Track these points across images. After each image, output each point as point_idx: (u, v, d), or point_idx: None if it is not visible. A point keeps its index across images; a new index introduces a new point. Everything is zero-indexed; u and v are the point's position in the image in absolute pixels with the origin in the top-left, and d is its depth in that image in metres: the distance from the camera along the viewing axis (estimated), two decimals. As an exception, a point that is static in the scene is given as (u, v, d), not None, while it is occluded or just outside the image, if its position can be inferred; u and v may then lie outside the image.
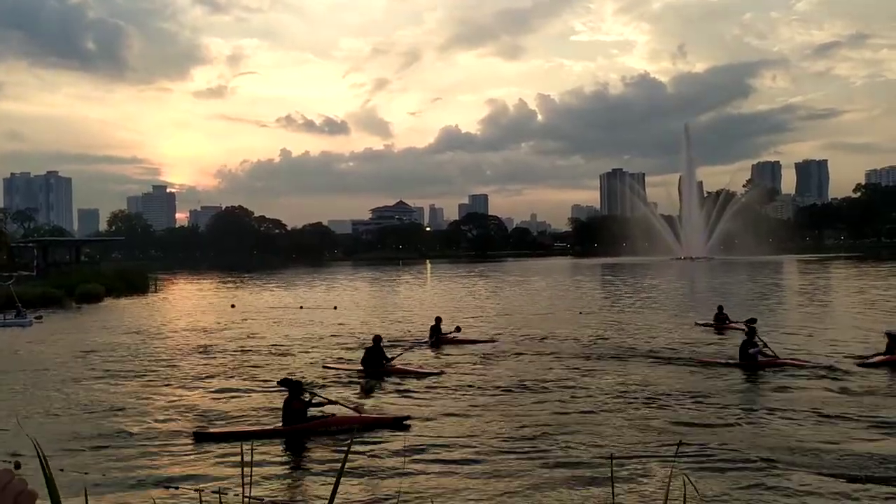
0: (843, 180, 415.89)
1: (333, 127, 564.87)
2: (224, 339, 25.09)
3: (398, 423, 12.14)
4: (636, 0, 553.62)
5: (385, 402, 14.42)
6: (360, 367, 17.63)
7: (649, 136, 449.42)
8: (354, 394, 15.35)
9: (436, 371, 17.34)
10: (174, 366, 19.59)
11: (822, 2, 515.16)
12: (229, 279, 79.05)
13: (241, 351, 22.13)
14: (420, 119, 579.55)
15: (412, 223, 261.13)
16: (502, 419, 12.58)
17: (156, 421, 13.15)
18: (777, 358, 16.79)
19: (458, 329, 22.54)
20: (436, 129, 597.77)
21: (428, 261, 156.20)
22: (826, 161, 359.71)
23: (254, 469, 10.02)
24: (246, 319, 32.28)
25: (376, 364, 17.39)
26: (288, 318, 32.88)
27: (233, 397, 15.22)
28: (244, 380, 17.29)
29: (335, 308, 37.17)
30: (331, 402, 12.03)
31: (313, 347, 22.72)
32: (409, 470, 9.81)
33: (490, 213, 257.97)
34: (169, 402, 14.88)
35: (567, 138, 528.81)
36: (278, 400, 14.61)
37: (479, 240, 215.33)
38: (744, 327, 23.51)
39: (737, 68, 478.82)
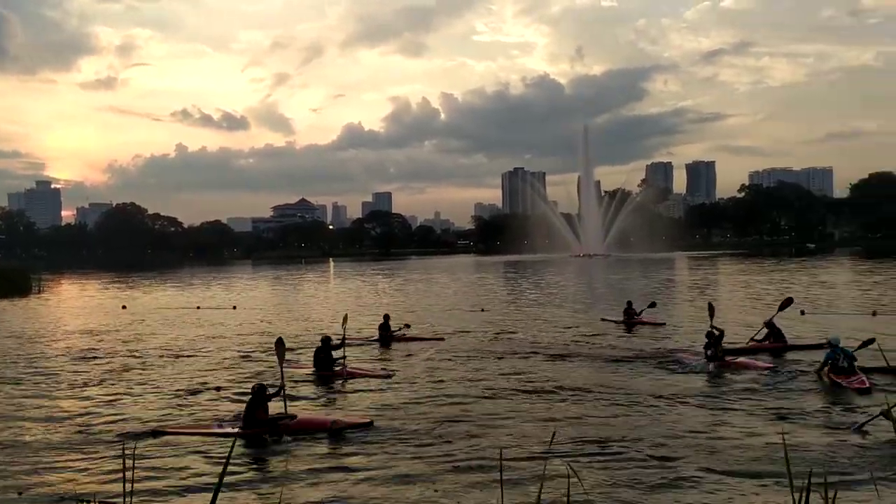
0: (730, 181, 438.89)
1: (232, 122, 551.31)
2: (114, 342, 23.74)
3: (365, 427, 11.70)
4: (536, 3, 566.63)
5: (336, 408, 13.72)
6: (311, 370, 16.82)
7: (549, 136, 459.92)
8: (309, 398, 14.66)
9: (387, 373, 16.66)
10: (57, 371, 18.27)
11: (708, 10, 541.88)
12: (121, 280, 75.41)
13: (133, 354, 20.95)
14: (322, 116, 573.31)
15: (315, 221, 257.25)
16: (428, 420, 12.29)
17: (32, 429, 12.15)
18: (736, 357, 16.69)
19: (406, 326, 22.36)
20: (339, 126, 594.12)
21: (331, 259, 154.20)
22: (714, 163, 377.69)
23: (190, 476, 9.47)
24: (138, 321, 30.72)
25: (327, 366, 16.66)
26: (184, 319, 31.50)
27: (122, 401, 14.29)
28: (136, 384, 16.29)
29: (234, 308, 35.97)
30: (281, 393, 11.86)
31: (210, 348, 21.73)
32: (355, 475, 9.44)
33: (394, 211, 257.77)
34: (48, 408, 13.81)
35: (470, 137, 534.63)
36: (174, 403, 13.90)
37: (383, 238, 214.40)
38: (657, 322, 24.50)
39: (631, 72, 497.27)
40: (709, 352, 16.29)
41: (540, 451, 9.84)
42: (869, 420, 10.56)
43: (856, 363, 14.17)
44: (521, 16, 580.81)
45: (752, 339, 18.95)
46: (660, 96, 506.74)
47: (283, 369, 12.83)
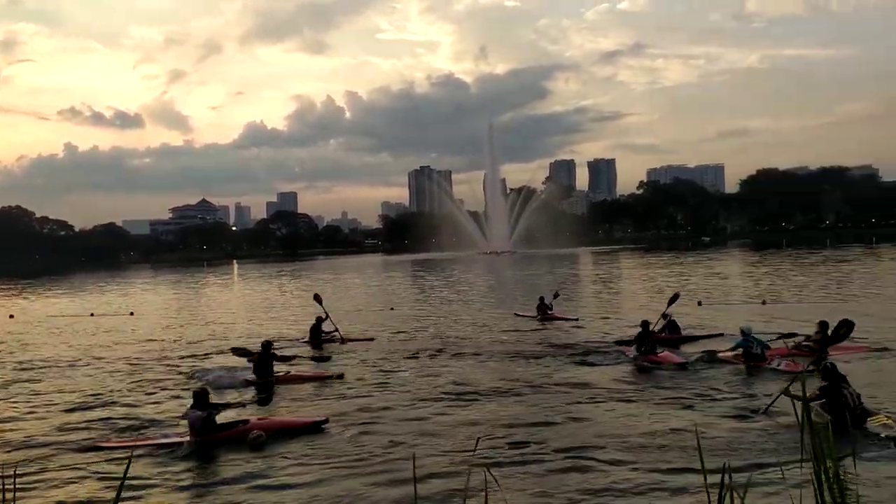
0: (629, 178, 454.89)
1: (125, 120, 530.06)
2: (1, 353, 22.20)
3: (316, 427, 11.40)
4: (440, 1, 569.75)
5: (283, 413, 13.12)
6: (251, 377, 15.82)
7: (455, 134, 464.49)
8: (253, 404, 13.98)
9: (335, 374, 16.09)
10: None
11: (606, 12, 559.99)
12: (7, 287, 70.95)
13: (22, 366, 19.58)
14: (222, 114, 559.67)
15: (216, 222, 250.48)
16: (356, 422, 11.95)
17: None
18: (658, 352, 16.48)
19: (336, 330, 21.73)
20: (240, 124, 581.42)
21: (235, 261, 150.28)
22: (614, 160, 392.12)
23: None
24: (27, 331, 28.88)
25: (268, 373, 15.81)
26: (77, 327, 29.81)
27: (8, 418, 13.29)
28: (22, 396, 15.20)
29: (131, 314, 34.39)
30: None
31: (106, 357, 20.57)
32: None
33: (300, 211, 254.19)
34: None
35: (376, 135, 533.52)
36: (67, 416, 13.02)
37: (289, 238, 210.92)
38: (569, 317, 24.82)
39: (534, 71, 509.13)
40: (643, 346, 16.29)
41: (459, 456, 9.71)
42: (773, 401, 10.92)
43: (767, 351, 14.85)
44: (425, 14, 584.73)
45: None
46: (562, 95, 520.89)
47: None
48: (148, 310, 37.22)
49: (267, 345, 16.31)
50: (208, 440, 10.80)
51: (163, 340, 23.59)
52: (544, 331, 22.61)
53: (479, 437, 10.28)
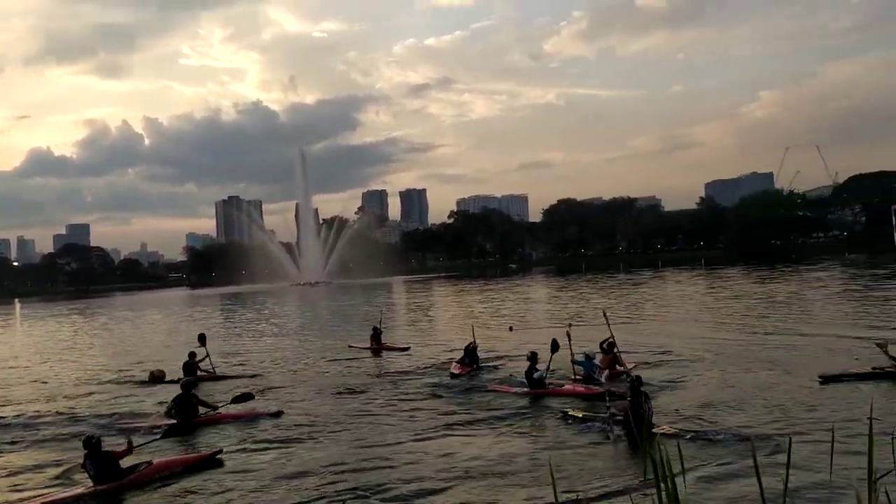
0: (440, 207, 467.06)
1: None
2: None
3: (212, 460, 11.31)
4: (245, 29, 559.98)
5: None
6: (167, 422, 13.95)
7: (265, 163, 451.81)
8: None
9: (274, 411, 14.72)
10: None
11: (414, 47, 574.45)
12: None
13: None
14: (2, 139, 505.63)
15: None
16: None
17: None
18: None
19: (211, 367, 20.25)
20: (23, 150, 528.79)
21: (17, 300, 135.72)
22: (425, 190, 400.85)
23: None
24: None
25: (190, 414, 14.11)
26: None
27: None
28: None
29: None
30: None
31: None
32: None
33: (93, 245, 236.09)
34: None
35: (179, 164, 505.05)
36: None
37: (80, 273, 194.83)
38: (400, 346, 24.30)
39: (344, 102, 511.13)
40: (535, 375, 15.24)
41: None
42: (610, 426, 11.15)
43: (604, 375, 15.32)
44: (230, 41, 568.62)
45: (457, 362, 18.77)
46: (373, 126, 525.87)
47: None
48: None
49: (187, 385, 14.98)
50: (110, 489, 10.26)
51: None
52: (381, 360, 22.16)
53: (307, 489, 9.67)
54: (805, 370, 15.63)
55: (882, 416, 10.71)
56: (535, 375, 15.10)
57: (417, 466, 10.42)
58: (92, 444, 10.53)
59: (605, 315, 16.69)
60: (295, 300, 68.61)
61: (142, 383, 19.96)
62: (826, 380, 14.28)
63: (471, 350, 18.83)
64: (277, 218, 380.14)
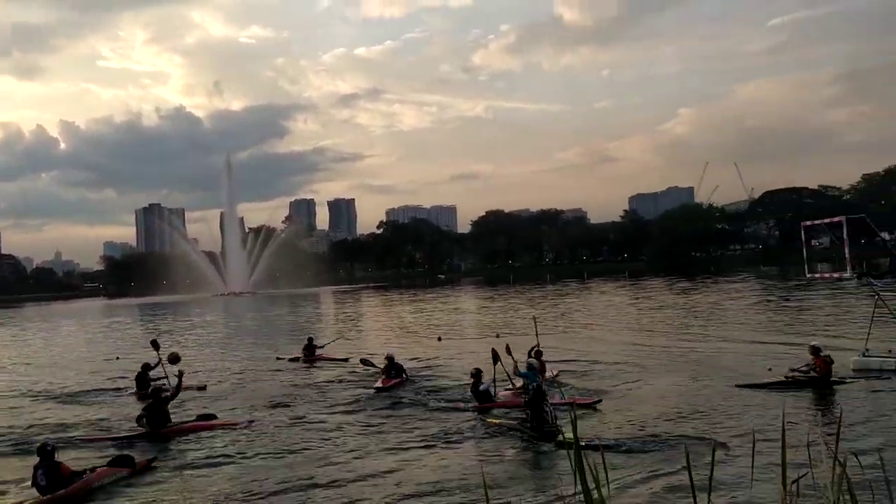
0: (369, 217, 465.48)
1: None
2: None
3: (146, 468, 11.40)
4: (168, 31, 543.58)
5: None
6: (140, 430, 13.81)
7: (188, 170, 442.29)
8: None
9: (246, 420, 14.55)
10: None
11: (343, 56, 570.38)
12: None
13: None
14: None
15: None
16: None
17: None
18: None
19: (165, 377, 18.70)
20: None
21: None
22: (354, 200, 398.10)
23: None
24: None
25: (160, 423, 13.80)
26: None
27: None
28: None
29: None
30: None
31: None
32: None
33: (3, 252, 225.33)
34: None
35: (97, 169, 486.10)
36: None
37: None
38: (338, 357, 23.74)
39: (272, 109, 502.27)
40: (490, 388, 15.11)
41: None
42: (556, 442, 11.15)
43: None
44: (152, 44, 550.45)
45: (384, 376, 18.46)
46: (301, 135, 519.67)
47: None
48: None
49: (157, 392, 14.81)
50: (54, 498, 10.15)
51: None
52: (318, 371, 21.64)
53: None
54: (725, 377, 16.25)
55: (797, 423, 11.22)
56: (481, 388, 14.99)
57: (347, 486, 10.17)
58: (46, 451, 10.48)
59: (534, 321, 16.97)
60: (219, 311, 66.99)
61: (57, 398, 19.12)
62: (743, 388, 14.94)
63: (396, 363, 18.67)
64: (201, 226, 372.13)
